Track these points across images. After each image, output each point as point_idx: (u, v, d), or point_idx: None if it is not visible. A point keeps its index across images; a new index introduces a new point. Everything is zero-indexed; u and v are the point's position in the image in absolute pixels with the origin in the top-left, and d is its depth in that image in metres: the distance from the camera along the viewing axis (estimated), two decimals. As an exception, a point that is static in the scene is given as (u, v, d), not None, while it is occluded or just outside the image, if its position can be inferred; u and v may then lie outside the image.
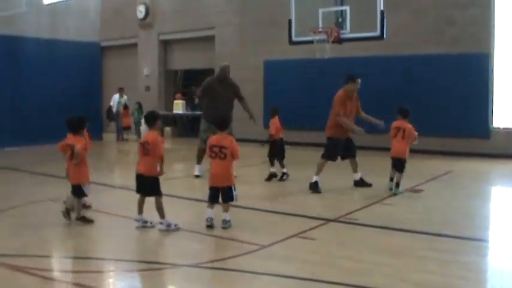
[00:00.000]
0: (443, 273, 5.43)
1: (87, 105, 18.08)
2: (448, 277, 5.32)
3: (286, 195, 9.54)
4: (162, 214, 7.13)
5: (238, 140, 7.44)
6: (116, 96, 20.97)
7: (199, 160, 11.30)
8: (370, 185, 10.01)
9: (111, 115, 21.38)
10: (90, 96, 19.20)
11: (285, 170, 10.99)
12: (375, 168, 11.64)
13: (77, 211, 7.55)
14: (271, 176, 10.91)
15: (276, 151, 11.01)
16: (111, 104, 21.12)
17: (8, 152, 16.21)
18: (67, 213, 7.53)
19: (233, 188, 7.13)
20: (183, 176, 11.65)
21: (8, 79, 17.02)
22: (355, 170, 10.20)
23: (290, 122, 17.67)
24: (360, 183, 10.12)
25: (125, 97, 21.01)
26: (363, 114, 10.24)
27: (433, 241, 6.62)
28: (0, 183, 11.38)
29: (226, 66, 11.40)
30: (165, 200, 9.37)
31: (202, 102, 11.48)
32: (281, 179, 10.88)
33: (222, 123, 7.28)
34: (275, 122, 10.99)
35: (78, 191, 7.51)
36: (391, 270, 5.48)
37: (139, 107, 20.79)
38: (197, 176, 11.22)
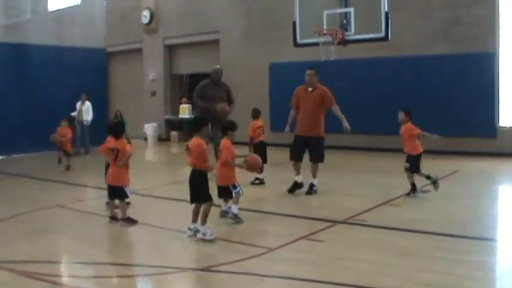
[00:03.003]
0: (452, 273, 5.42)
1: (95, 111, 18.10)
2: (457, 277, 5.31)
3: (294, 198, 9.52)
4: (204, 222, 6.92)
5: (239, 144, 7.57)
6: (78, 104, 17.89)
7: None
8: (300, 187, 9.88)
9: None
10: (98, 103, 19.20)
11: (259, 176, 10.75)
12: (382, 168, 11.65)
13: (122, 212, 7.75)
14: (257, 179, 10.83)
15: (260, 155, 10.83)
16: (73, 114, 17.60)
17: (16, 159, 16.28)
18: (113, 219, 7.84)
19: (230, 187, 7.39)
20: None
21: (15, 86, 17.09)
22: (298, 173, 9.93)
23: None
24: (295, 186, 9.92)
25: (87, 103, 17.80)
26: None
27: (442, 241, 6.61)
28: (8, 189, 11.44)
29: (219, 68, 11.69)
30: (173, 204, 9.45)
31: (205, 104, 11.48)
32: (253, 183, 10.67)
33: (223, 129, 7.66)
34: (253, 125, 11.00)
35: (120, 193, 7.74)
36: (400, 271, 5.48)
37: (120, 114, 19.27)
38: None
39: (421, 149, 9.36)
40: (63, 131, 13.76)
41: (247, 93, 18.66)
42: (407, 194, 9.32)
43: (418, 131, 9.30)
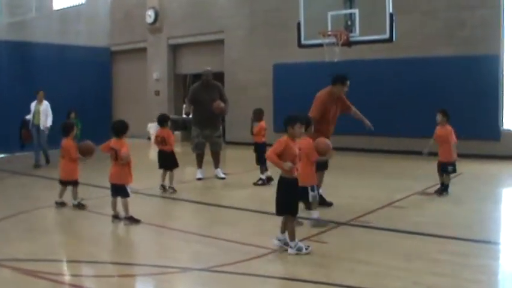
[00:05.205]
0: (456, 276, 5.40)
1: (99, 110, 18.09)
2: (461, 280, 5.29)
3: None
4: (292, 237, 6.29)
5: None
6: (33, 104, 14.66)
7: (199, 165, 11.77)
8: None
9: (25, 131, 15.03)
10: (101, 102, 19.17)
11: (262, 176, 10.87)
12: (385, 170, 11.58)
13: (125, 211, 7.73)
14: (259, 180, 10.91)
15: (258, 155, 10.96)
16: (27, 117, 14.78)
17: (18, 157, 16.28)
18: (116, 217, 7.82)
19: (309, 189, 7.16)
20: (195, 180, 11.64)
21: (18, 85, 17.08)
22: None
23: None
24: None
25: (45, 103, 14.49)
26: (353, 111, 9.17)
27: (446, 244, 6.59)
28: (10, 187, 11.46)
29: (208, 70, 11.97)
30: (176, 204, 9.44)
31: (190, 110, 11.99)
32: (255, 184, 10.80)
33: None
34: (261, 126, 11.14)
35: (121, 191, 7.75)
36: (403, 274, 5.45)
37: (75, 116, 15.13)
38: (199, 179, 11.61)
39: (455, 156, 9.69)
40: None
41: (251, 93, 18.66)
42: (440, 193, 9.51)
43: (454, 140, 9.63)
